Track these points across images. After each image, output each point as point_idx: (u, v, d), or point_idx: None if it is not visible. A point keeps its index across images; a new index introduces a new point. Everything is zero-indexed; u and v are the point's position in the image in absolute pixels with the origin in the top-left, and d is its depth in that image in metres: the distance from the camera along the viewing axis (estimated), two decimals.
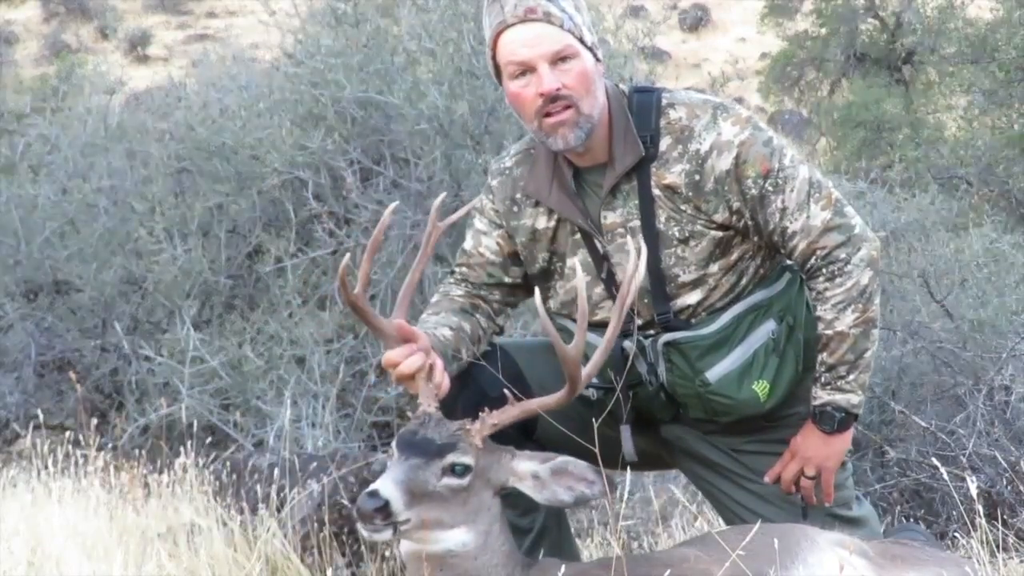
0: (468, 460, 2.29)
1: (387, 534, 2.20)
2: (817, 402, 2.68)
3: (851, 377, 2.65)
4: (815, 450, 2.70)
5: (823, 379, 2.67)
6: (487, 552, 2.29)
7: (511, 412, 2.36)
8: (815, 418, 2.69)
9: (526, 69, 2.59)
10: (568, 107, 2.58)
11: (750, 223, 2.67)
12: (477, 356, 2.73)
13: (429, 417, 2.35)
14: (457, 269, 2.88)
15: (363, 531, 2.21)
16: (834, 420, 2.67)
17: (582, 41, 2.61)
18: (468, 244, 2.87)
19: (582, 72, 2.59)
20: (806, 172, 2.66)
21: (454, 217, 2.72)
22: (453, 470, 2.27)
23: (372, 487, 2.20)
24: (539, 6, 2.56)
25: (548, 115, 2.59)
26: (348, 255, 2.37)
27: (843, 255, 2.62)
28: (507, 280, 2.85)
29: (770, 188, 2.63)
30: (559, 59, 2.57)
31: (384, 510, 2.17)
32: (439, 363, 2.48)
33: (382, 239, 2.49)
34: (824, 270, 2.63)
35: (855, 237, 2.64)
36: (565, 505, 2.36)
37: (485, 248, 2.84)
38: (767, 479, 2.77)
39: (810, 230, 2.62)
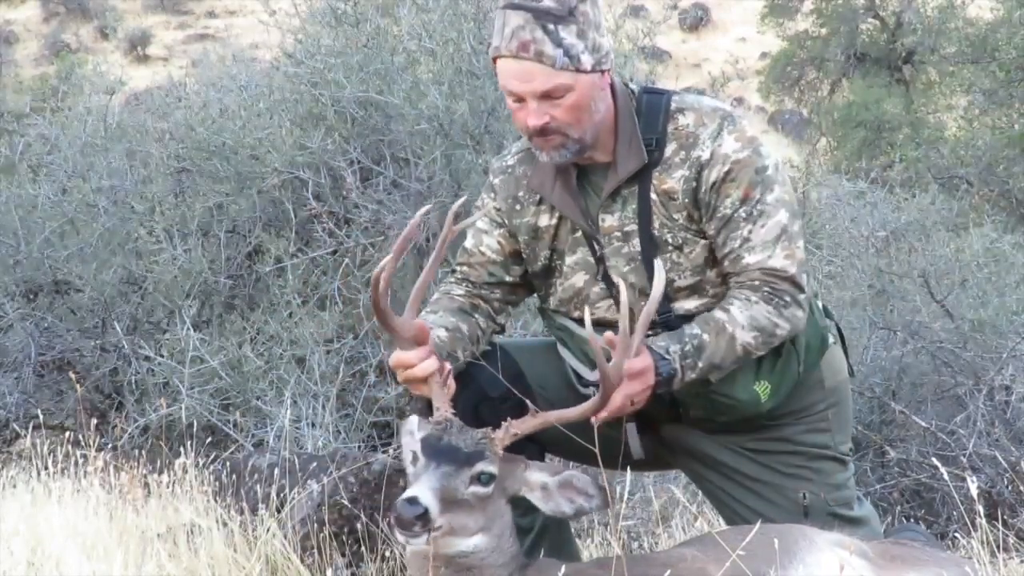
0: (494, 469, 2.31)
1: (422, 540, 2.22)
2: (670, 358, 2.53)
3: (694, 374, 2.56)
4: (647, 380, 2.50)
5: (687, 350, 2.55)
6: (495, 554, 2.32)
7: (531, 423, 2.38)
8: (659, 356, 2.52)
9: (518, 99, 2.60)
10: (556, 134, 2.60)
11: (709, 232, 2.66)
12: (476, 356, 2.73)
13: (450, 423, 2.36)
14: (458, 268, 2.88)
15: (400, 537, 2.23)
16: (662, 378, 2.51)
17: (580, 69, 2.56)
18: (469, 243, 2.87)
19: (573, 105, 2.58)
20: (785, 218, 2.63)
21: (467, 222, 2.73)
22: (479, 479, 2.29)
23: (409, 494, 2.21)
24: (532, 43, 2.52)
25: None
26: (388, 256, 2.38)
27: (788, 299, 2.61)
28: (508, 279, 2.85)
29: (743, 215, 2.62)
30: (549, 96, 2.57)
31: (424, 517, 2.19)
32: (448, 367, 2.49)
33: (413, 238, 2.49)
34: (765, 292, 2.60)
35: (802, 300, 2.63)
36: (565, 516, 2.39)
37: (486, 247, 2.84)
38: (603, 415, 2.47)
39: (767, 269, 2.61)
